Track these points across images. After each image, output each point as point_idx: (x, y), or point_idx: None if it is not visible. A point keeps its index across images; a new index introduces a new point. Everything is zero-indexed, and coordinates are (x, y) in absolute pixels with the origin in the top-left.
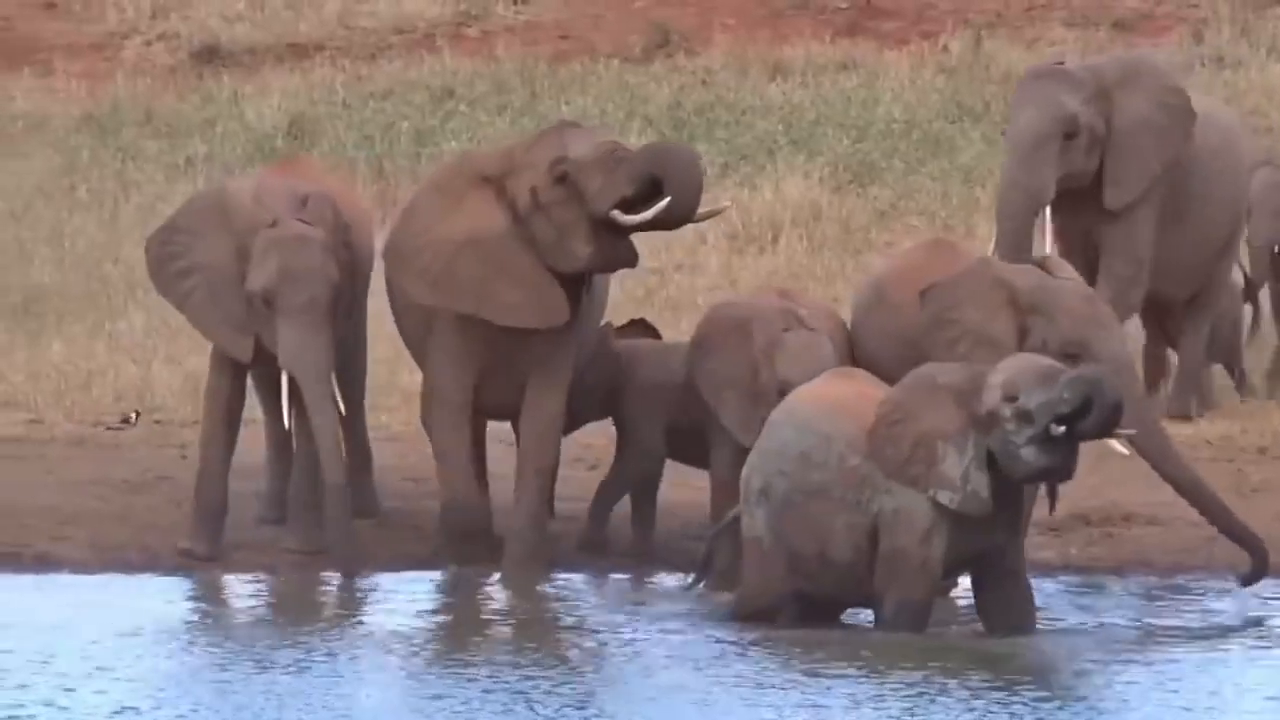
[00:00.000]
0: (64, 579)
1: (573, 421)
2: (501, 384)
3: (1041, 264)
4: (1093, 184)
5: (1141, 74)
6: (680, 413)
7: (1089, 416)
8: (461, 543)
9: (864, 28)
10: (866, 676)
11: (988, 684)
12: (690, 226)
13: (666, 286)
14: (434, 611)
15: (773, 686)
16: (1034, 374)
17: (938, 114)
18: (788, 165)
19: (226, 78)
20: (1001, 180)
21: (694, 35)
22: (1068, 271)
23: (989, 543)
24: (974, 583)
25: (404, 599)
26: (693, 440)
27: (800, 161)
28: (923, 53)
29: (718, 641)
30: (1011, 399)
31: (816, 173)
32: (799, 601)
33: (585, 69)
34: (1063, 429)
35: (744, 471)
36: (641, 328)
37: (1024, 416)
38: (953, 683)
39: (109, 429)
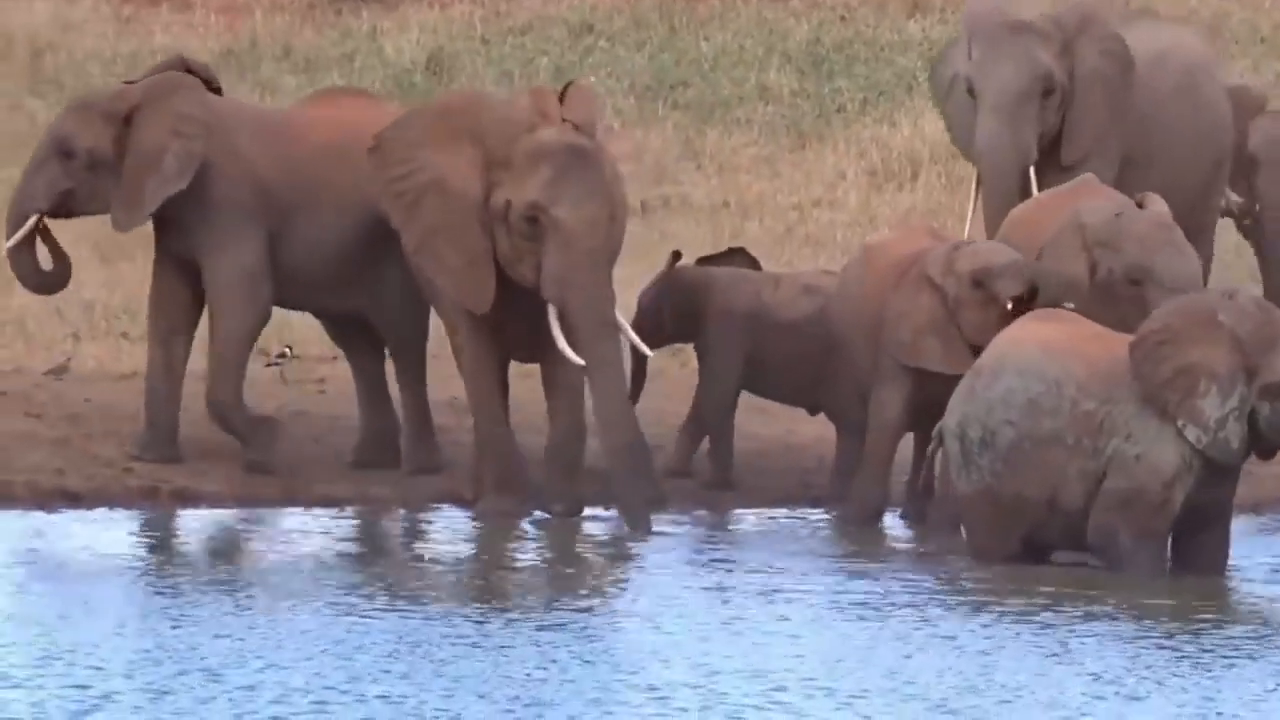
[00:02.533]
0: None
1: (647, 344)
2: (522, 329)
3: (1139, 201)
4: (1052, 141)
5: (1092, 23)
6: (764, 345)
7: None
8: (499, 486)
9: None
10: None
11: None
12: (830, 162)
13: (806, 222)
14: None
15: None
16: None
17: None
18: (926, 102)
19: (365, 13)
20: (985, 141)
21: None
22: (1159, 205)
23: (1219, 492)
24: (1178, 521)
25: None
26: (784, 374)
27: None
28: None
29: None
30: None
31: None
32: (1027, 548)
33: (724, 5)
34: None
35: (953, 421)
36: (741, 256)
37: None
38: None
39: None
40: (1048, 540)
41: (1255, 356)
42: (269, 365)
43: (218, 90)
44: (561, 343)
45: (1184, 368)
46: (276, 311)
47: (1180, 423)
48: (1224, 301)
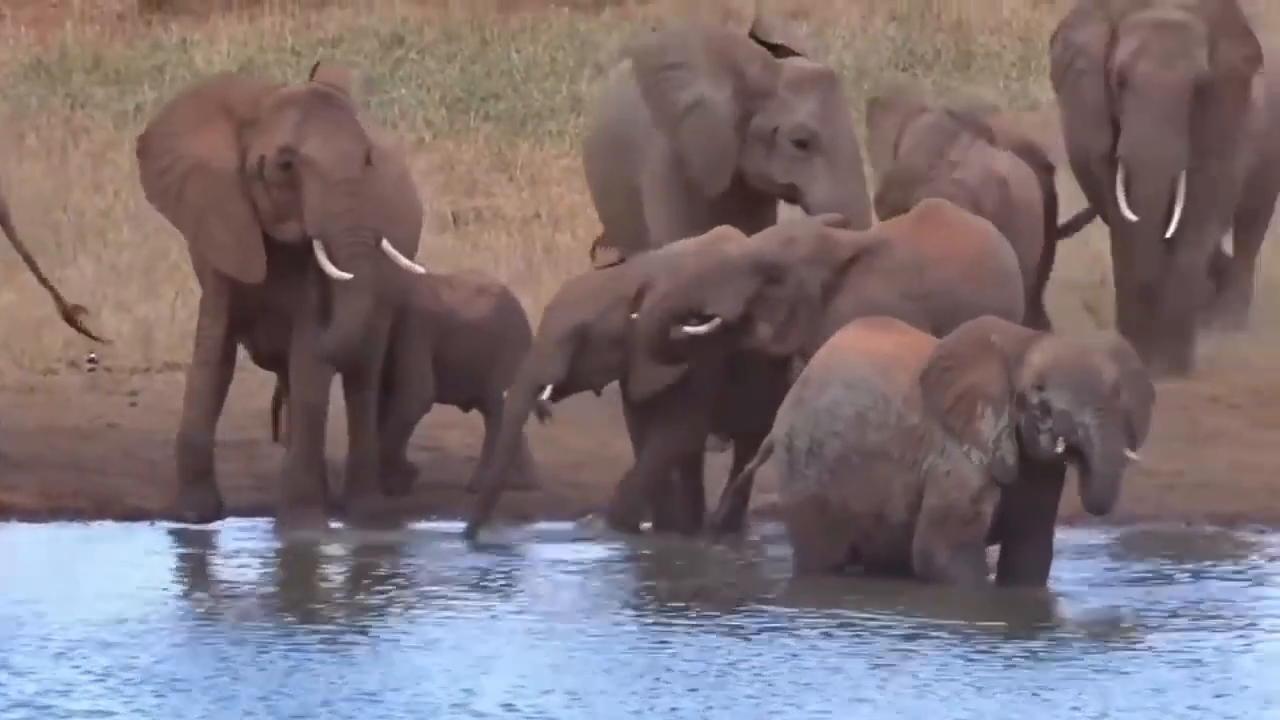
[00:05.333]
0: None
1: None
2: (267, 329)
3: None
4: None
5: (1232, 18)
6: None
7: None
8: (190, 481)
9: None
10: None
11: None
12: None
13: None
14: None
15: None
16: (1067, 371)
17: (888, 61)
18: None
19: (175, 25)
20: (1141, 144)
21: None
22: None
23: (1033, 502)
24: (1001, 533)
25: None
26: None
27: None
28: (873, 1)
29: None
30: (1039, 388)
31: None
32: (854, 559)
33: (536, 17)
34: (1050, 434)
35: (781, 431)
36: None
37: (1046, 409)
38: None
39: (89, 367)
40: (874, 553)
41: (1013, 372)
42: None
43: None
44: (329, 268)
45: (963, 392)
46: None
47: (964, 447)
48: (998, 322)
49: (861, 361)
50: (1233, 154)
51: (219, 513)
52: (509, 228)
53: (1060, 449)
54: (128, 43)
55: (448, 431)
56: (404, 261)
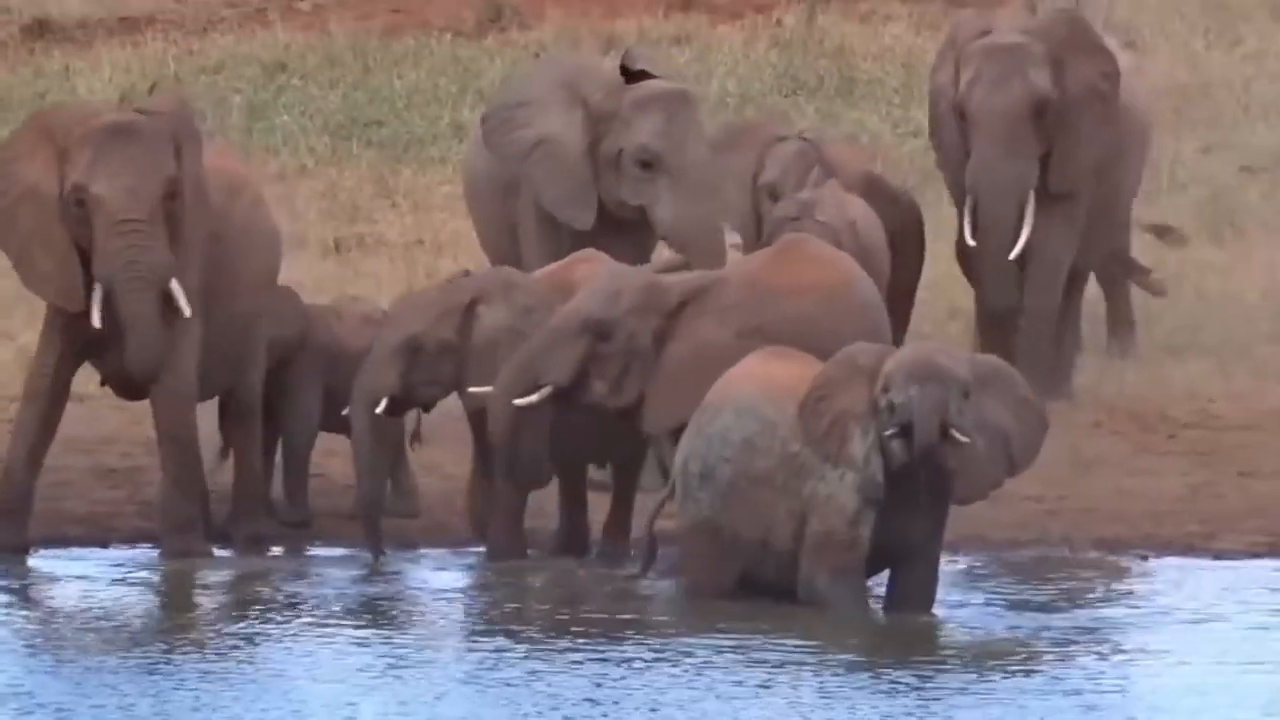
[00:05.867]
0: None
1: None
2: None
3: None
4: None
5: (1083, 36)
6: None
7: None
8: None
9: (697, 1)
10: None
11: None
12: None
13: None
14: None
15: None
16: (908, 369)
17: (771, 88)
18: None
19: (58, 52)
20: (983, 171)
21: (527, 9)
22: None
23: (913, 528)
24: (885, 559)
25: None
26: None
27: None
28: (756, 26)
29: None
30: (885, 390)
31: None
32: (744, 585)
33: (418, 43)
34: (897, 431)
35: (679, 456)
36: None
37: (890, 410)
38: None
39: None
40: (763, 578)
41: (874, 388)
42: None
43: None
44: (95, 315)
45: (835, 418)
46: None
47: (839, 472)
48: (868, 345)
49: (752, 389)
50: (1108, 163)
51: (23, 548)
52: (391, 254)
53: (900, 442)
54: (10, 69)
55: (330, 459)
56: (182, 301)
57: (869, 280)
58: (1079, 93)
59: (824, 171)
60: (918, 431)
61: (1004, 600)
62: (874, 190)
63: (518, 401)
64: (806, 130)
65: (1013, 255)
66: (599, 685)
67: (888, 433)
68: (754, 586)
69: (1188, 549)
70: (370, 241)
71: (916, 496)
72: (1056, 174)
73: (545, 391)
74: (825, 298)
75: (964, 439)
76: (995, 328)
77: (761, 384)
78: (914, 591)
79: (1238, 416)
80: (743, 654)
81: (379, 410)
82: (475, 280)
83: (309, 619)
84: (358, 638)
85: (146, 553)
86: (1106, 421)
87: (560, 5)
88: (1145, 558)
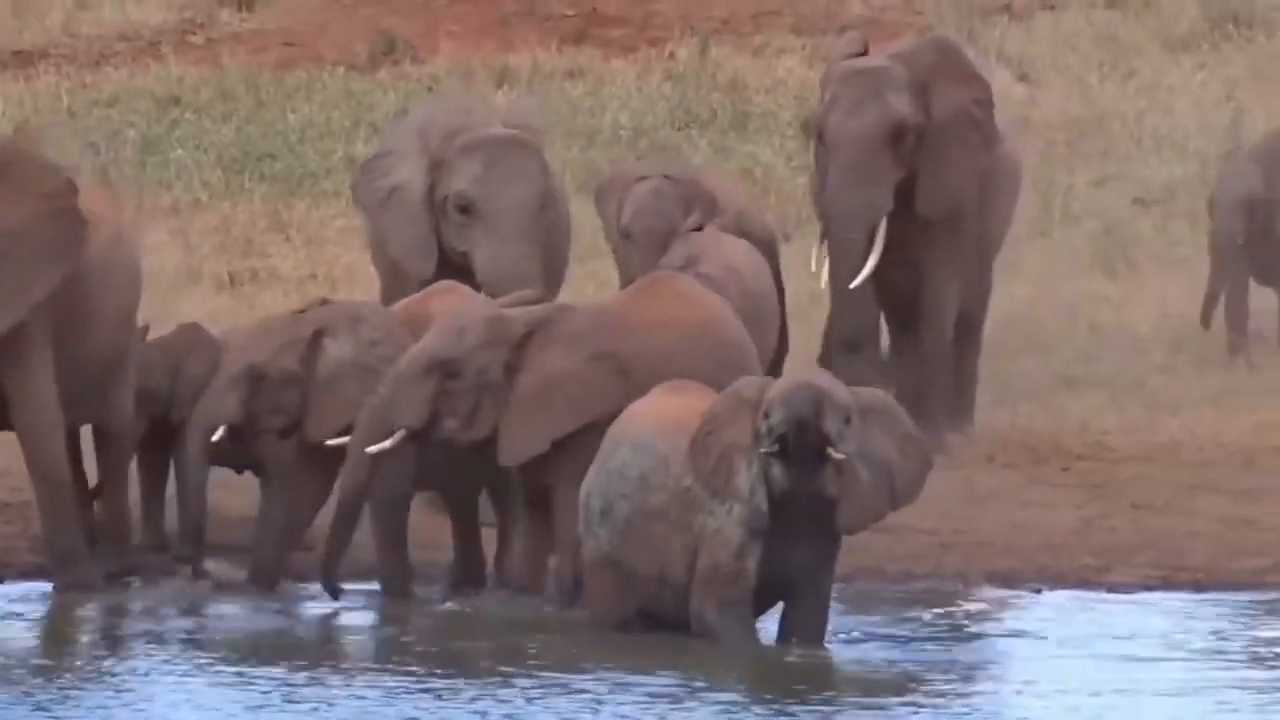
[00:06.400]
0: None
1: None
2: None
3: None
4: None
5: (952, 60)
6: None
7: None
8: None
9: (590, 35)
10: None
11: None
12: None
13: None
14: None
15: None
16: (785, 392)
17: (664, 121)
18: None
19: None
20: (834, 196)
21: (420, 43)
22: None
23: (802, 560)
24: (776, 591)
25: None
26: None
27: None
28: (649, 60)
29: None
30: (766, 416)
31: None
32: (646, 619)
33: (311, 77)
34: (776, 448)
35: (582, 491)
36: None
37: (769, 432)
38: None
39: None
40: (662, 613)
41: (757, 419)
42: None
43: None
44: None
45: (722, 452)
46: None
47: (727, 506)
48: (750, 378)
49: (648, 425)
50: (984, 199)
51: None
52: (285, 288)
53: (779, 465)
54: None
55: (222, 492)
56: None
57: (735, 322)
58: (947, 118)
59: (704, 211)
60: (790, 429)
61: (897, 633)
62: (741, 229)
63: (371, 449)
64: (671, 168)
65: (855, 284)
66: (485, 718)
67: (764, 450)
68: (655, 621)
69: (1081, 582)
70: (264, 275)
71: (803, 527)
72: (923, 200)
73: (399, 436)
74: (683, 334)
75: (839, 455)
76: (841, 355)
77: (657, 420)
78: (805, 624)
79: (1131, 449)
80: (631, 690)
81: (215, 438)
82: (322, 312)
83: (197, 653)
84: (243, 672)
85: (39, 587)
86: (1000, 455)
87: (453, 38)
88: (1039, 591)
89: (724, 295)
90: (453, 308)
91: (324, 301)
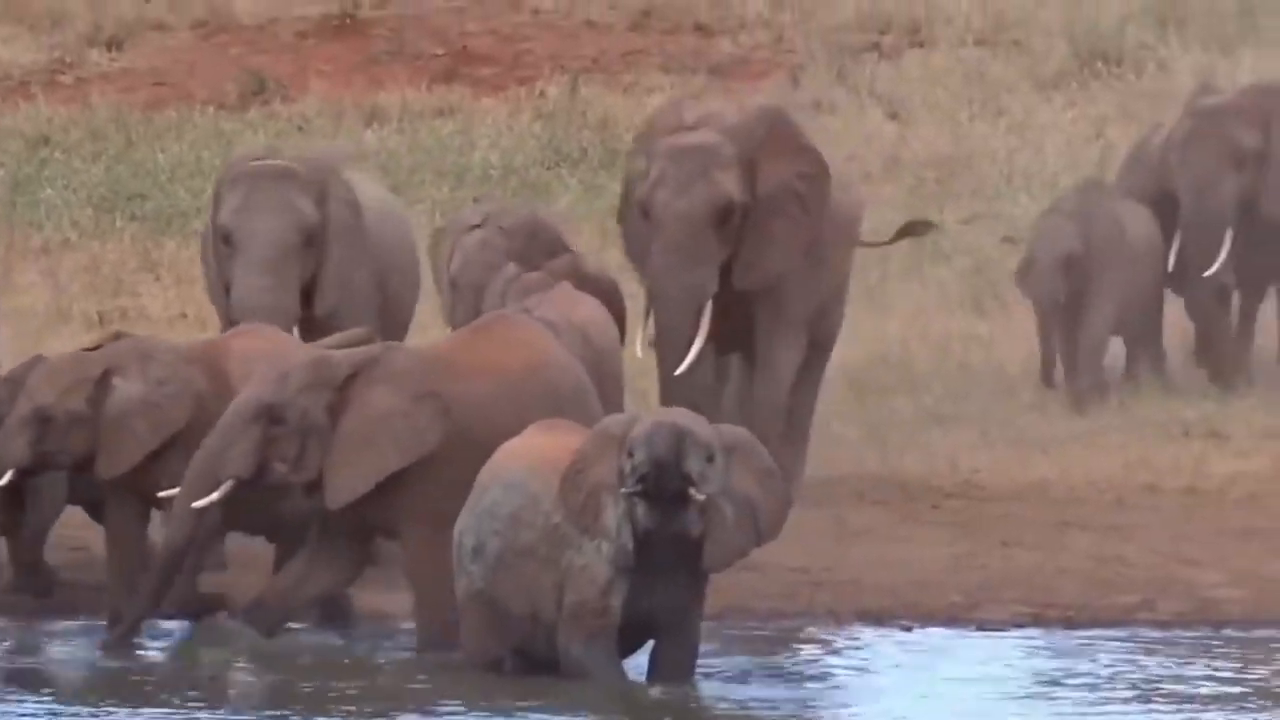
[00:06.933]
0: None
1: None
2: None
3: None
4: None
5: (781, 133)
6: None
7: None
8: None
9: (460, 74)
10: None
11: None
12: None
13: None
14: None
15: None
16: (648, 430)
17: (535, 160)
18: None
19: None
20: (660, 277)
21: (290, 82)
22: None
23: (669, 597)
24: (643, 628)
25: None
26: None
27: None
28: (519, 98)
29: None
30: (630, 454)
31: (413, 219)
32: (519, 657)
33: (181, 116)
34: (639, 489)
35: (456, 529)
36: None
37: (632, 474)
38: None
39: None
40: (535, 650)
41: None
42: None
43: None
44: None
45: (590, 489)
46: None
47: (595, 543)
48: (618, 415)
49: (519, 463)
50: (811, 266)
51: None
52: (155, 328)
53: (642, 504)
54: None
55: (91, 531)
56: None
57: (570, 365)
58: (770, 193)
59: (541, 253)
60: (651, 470)
61: (765, 671)
62: (575, 275)
63: (199, 503)
64: (505, 218)
65: (681, 370)
66: None
67: (626, 490)
68: (529, 659)
69: (951, 619)
70: (134, 315)
71: (669, 565)
72: (740, 274)
73: (228, 486)
74: (512, 379)
75: (700, 496)
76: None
77: (528, 458)
78: (673, 662)
79: (1000, 487)
80: None
81: (3, 482)
82: (111, 350)
83: (47, 690)
84: (118, 712)
85: None
86: (871, 492)
87: (323, 78)
88: (909, 628)
89: (563, 340)
90: (256, 349)
91: (118, 335)
